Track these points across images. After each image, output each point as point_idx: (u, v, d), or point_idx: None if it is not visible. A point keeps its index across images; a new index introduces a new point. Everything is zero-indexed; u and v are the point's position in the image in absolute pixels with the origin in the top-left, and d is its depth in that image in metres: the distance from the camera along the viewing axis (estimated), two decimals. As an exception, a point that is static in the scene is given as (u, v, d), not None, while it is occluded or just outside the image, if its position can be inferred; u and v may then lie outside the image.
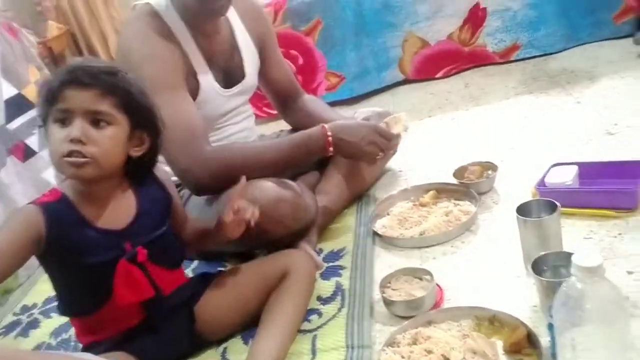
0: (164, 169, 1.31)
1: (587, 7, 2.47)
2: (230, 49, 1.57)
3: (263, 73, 1.69)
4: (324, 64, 2.68)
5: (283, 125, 1.89)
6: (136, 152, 1.13)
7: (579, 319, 0.80)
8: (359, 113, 1.84)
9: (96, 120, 1.06)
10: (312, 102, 1.83)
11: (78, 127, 1.04)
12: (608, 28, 2.47)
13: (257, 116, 2.01)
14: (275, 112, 1.94)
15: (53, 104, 1.05)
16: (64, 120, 1.05)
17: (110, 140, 1.07)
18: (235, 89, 1.58)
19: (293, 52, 2.64)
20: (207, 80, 1.50)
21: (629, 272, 1.16)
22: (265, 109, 2.58)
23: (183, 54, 1.45)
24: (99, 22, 3.40)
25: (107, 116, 1.06)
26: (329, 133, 1.47)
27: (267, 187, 1.38)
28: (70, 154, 1.04)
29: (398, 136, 1.59)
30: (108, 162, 1.08)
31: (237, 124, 1.64)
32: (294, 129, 1.80)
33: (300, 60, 2.67)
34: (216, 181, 1.40)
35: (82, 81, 1.04)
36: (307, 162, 1.60)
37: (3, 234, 1.02)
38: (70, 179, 1.10)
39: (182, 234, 1.31)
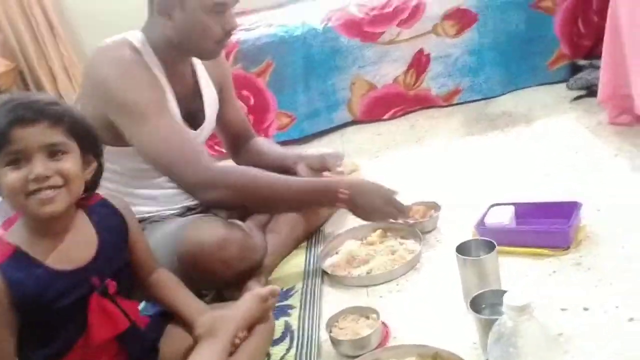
0: (122, 199, 1.30)
1: (523, 54, 2.62)
2: (193, 92, 1.61)
3: (220, 115, 1.73)
4: (275, 105, 2.73)
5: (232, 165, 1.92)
6: (87, 175, 1.13)
7: (512, 356, 0.85)
8: (309, 152, 1.89)
9: (53, 152, 1.04)
10: (263, 142, 1.87)
11: (39, 164, 1.02)
12: (543, 74, 2.63)
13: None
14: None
15: (1, 149, 1.02)
16: (17, 161, 1.02)
17: (72, 167, 1.06)
18: (197, 131, 1.60)
19: (245, 92, 2.68)
20: (178, 119, 1.52)
21: (563, 309, 1.22)
22: (216, 147, 2.61)
23: (162, 87, 1.48)
24: (47, 60, 3.37)
25: (62, 145, 1.05)
26: (343, 190, 1.49)
27: (214, 228, 1.40)
28: (36, 191, 1.02)
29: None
30: (76, 190, 1.08)
31: None
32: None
33: (252, 101, 2.72)
34: (224, 200, 1.42)
35: (28, 117, 1.02)
36: (309, 207, 1.65)
37: None
38: (22, 224, 1.08)
39: (140, 272, 1.26)
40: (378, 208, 1.54)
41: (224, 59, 1.82)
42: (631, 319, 1.15)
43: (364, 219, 1.60)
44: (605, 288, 1.26)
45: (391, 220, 1.62)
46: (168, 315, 1.30)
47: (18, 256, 1.05)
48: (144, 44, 1.48)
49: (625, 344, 1.09)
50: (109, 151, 1.39)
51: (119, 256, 1.18)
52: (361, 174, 1.72)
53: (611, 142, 1.93)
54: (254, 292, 1.29)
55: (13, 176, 1.01)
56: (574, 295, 1.25)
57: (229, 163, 1.91)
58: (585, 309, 1.21)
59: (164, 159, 1.42)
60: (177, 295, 1.27)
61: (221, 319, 1.21)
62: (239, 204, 1.45)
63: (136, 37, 1.49)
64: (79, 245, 1.11)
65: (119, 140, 1.44)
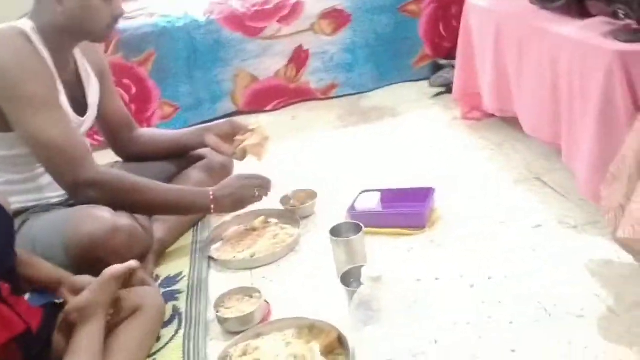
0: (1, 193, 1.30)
1: (392, 53, 2.88)
2: (76, 81, 1.62)
3: (101, 105, 1.74)
4: (158, 94, 2.76)
5: (112, 155, 1.94)
6: None
7: (370, 319, 1.02)
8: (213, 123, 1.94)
9: None
10: (153, 130, 1.92)
11: None
12: (409, 72, 2.90)
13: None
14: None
15: None
16: None
17: None
18: (83, 118, 1.62)
19: (126, 81, 2.68)
20: (66, 106, 1.53)
21: (418, 280, 1.44)
22: (96, 137, 2.58)
23: (53, 77, 1.48)
24: None
25: None
26: (211, 194, 1.60)
27: (102, 217, 1.43)
28: None
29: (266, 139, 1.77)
30: None
31: None
32: (127, 161, 1.88)
33: (134, 90, 2.72)
34: (103, 202, 1.46)
35: None
36: (186, 214, 1.73)
37: None
38: None
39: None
40: (241, 197, 1.66)
41: (101, 49, 1.84)
42: (472, 285, 1.39)
43: (237, 210, 1.72)
44: (452, 261, 1.49)
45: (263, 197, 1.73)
46: (60, 305, 1.31)
47: None
48: (34, 31, 1.48)
49: (468, 305, 1.32)
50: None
51: (8, 256, 1.18)
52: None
53: (462, 135, 2.22)
54: (107, 274, 1.26)
55: None
56: (427, 268, 1.47)
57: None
58: (437, 279, 1.43)
59: (48, 152, 1.43)
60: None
61: (90, 305, 1.22)
62: (116, 208, 1.49)
63: (26, 24, 1.48)
64: None
65: (2, 126, 1.44)
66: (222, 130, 1.81)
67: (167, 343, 1.37)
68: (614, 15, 1.50)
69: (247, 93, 2.85)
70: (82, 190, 1.46)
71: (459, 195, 1.78)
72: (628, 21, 1.51)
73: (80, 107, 1.62)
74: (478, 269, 1.44)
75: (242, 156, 1.78)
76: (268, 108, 2.87)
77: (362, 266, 1.36)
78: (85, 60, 1.66)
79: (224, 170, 1.91)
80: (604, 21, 1.58)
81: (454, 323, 1.27)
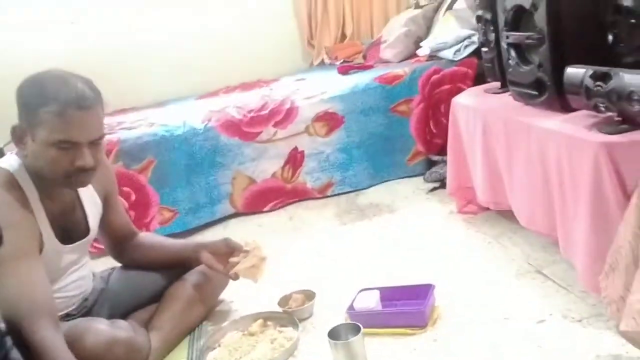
0: None
1: (386, 152, 2.95)
2: (73, 207, 1.63)
3: (104, 220, 1.76)
4: (157, 200, 2.79)
5: (112, 261, 1.95)
6: None
7: None
8: (208, 240, 1.95)
9: None
10: (152, 236, 1.93)
11: None
12: (403, 168, 2.96)
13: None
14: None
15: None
16: None
17: None
18: (77, 243, 1.62)
19: (125, 189, 2.72)
20: (49, 239, 1.53)
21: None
22: (95, 244, 2.58)
23: (35, 221, 1.48)
24: None
25: None
26: None
27: (100, 330, 1.42)
28: None
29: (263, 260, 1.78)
30: None
31: (76, 272, 1.67)
32: (126, 267, 1.88)
33: (133, 197, 2.75)
34: None
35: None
36: None
37: None
38: None
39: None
40: None
41: (108, 164, 1.87)
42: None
43: None
44: (455, 358, 1.44)
45: None
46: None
47: None
48: (21, 170, 1.49)
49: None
50: None
51: None
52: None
53: (460, 229, 2.22)
54: None
55: None
56: (431, 369, 1.43)
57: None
58: (441, 380, 1.38)
59: (4, 302, 1.37)
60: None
61: None
62: None
63: (10, 162, 1.51)
64: None
65: None
66: (217, 249, 1.83)
67: None
68: (595, 108, 1.55)
69: (245, 195, 2.89)
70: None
71: (459, 291, 1.75)
72: (609, 113, 1.56)
73: (75, 232, 1.62)
74: (481, 366, 1.39)
75: (236, 277, 1.79)
76: (266, 209, 2.90)
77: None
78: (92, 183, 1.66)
79: (218, 286, 1.92)
80: (587, 114, 1.63)
81: None
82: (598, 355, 1.36)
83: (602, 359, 1.35)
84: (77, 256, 1.66)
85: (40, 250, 1.50)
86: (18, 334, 1.31)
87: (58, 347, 1.31)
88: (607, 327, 1.43)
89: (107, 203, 1.76)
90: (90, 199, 1.68)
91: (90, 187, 1.67)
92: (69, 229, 1.61)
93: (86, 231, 1.66)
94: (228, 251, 1.82)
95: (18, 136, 1.47)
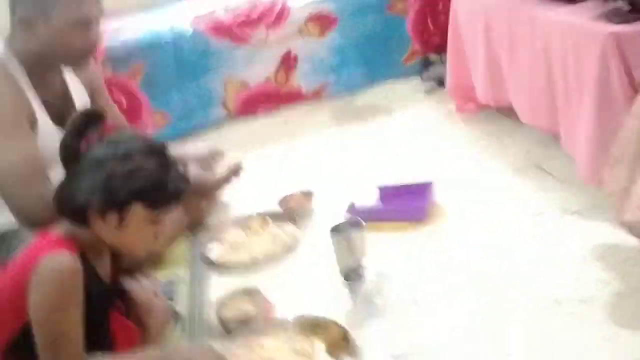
0: None
1: (381, 52, 2.85)
2: (63, 95, 1.60)
3: None
4: (148, 105, 2.73)
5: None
6: None
7: (373, 314, 1.00)
8: (189, 150, 1.93)
9: None
10: None
11: None
12: (400, 69, 2.88)
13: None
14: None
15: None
16: None
17: None
18: None
19: (116, 95, 2.65)
20: (44, 122, 1.50)
21: (420, 275, 1.41)
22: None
23: (26, 99, 1.46)
24: None
25: None
26: None
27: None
28: None
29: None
30: None
31: None
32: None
33: (124, 102, 2.69)
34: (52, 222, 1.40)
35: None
36: None
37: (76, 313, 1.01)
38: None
39: None
40: None
41: (93, 63, 1.82)
42: (475, 279, 1.36)
43: None
44: (455, 255, 1.46)
45: None
46: None
47: (79, 256, 1.05)
48: (9, 56, 1.46)
49: (472, 299, 1.29)
50: None
51: None
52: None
53: (459, 128, 2.20)
54: None
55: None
56: (429, 263, 1.45)
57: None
58: (439, 273, 1.40)
59: (4, 178, 1.39)
60: None
61: None
62: None
63: (1, 51, 1.47)
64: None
65: None
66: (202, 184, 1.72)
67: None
68: (604, -2, 1.50)
69: (238, 99, 2.83)
70: (29, 219, 1.40)
71: (458, 188, 1.76)
72: (619, 3, 1.50)
73: (66, 119, 1.58)
74: (481, 262, 1.42)
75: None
76: (260, 113, 2.85)
77: (363, 262, 1.35)
78: (74, 75, 1.64)
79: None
80: (594, 4, 1.57)
81: (458, 317, 1.25)
82: (595, 245, 1.38)
83: (599, 248, 1.37)
84: None
85: (36, 135, 1.47)
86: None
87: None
88: (604, 218, 1.44)
89: (94, 93, 1.71)
90: (77, 87, 1.64)
91: (76, 81, 1.63)
92: (61, 115, 1.58)
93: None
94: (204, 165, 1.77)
95: (26, 20, 1.42)
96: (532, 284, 1.29)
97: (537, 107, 1.76)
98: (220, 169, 1.80)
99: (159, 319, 1.33)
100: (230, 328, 1.35)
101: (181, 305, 1.48)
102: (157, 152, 1.10)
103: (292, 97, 2.87)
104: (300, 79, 2.85)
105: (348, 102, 2.77)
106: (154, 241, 1.13)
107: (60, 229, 1.10)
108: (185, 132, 2.76)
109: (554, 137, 1.74)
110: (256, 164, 2.28)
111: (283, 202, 1.84)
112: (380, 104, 2.65)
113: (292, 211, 1.79)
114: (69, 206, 1.07)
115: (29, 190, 1.38)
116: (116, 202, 1.04)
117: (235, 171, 1.73)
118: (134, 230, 1.07)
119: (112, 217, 1.05)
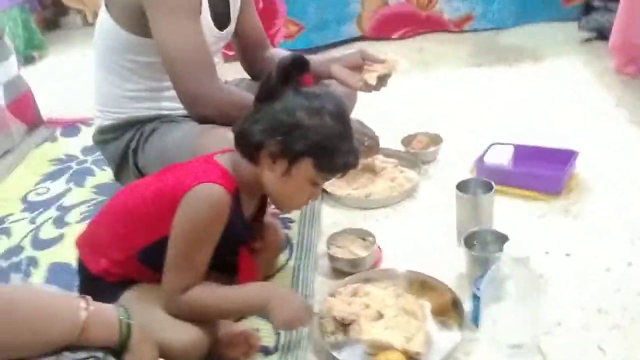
0: None
1: (539, -13, 2.59)
2: None
3: (239, 19, 1.71)
4: (284, 11, 2.68)
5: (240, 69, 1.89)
6: None
7: (500, 296, 0.94)
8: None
9: None
10: (280, 53, 1.86)
11: None
12: (557, 10, 2.60)
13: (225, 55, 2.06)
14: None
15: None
16: None
17: None
18: (223, 32, 1.60)
19: (254, -4, 2.62)
20: (207, 19, 1.52)
21: (546, 253, 1.31)
22: (224, 50, 2.57)
23: None
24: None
25: None
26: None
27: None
28: None
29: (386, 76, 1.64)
30: None
31: (217, 64, 1.66)
32: (254, 78, 1.85)
33: (260, 4, 2.65)
34: (219, 117, 1.42)
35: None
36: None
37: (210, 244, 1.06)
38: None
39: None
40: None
41: None
42: (608, 269, 1.24)
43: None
44: (588, 237, 1.34)
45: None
46: None
47: (235, 194, 1.09)
48: None
49: (601, 292, 1.19)
50: (142, 43, 1.44)
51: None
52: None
53: (614, 91, 1.97)
54: None
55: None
56: (558, 240, 1.34)
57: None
58: (567, 255, 1.30)
59: (176, 60, 1.42)
60: None
61: None
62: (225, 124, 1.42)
63: None
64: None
65: (145, 31, 1.44)
66: (350, 62, 1.70)
67: (278, 271, 1.37)
68: None
69: (375, 17, 2.71)
70: (197, 104, 1.44)
71: (603, 162, 1.59)
72: None
73: (222, 21, 1.59)
74: (617, 250, 1.29)
75: (368, 88, 1.67)
76: (395, 36, 2.72)
77: (489, 230, 1.27)
78: None
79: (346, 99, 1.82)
80: None
81: (581, 308, 1.15)
82: None
83: None
84: (220, 48, 1.65)
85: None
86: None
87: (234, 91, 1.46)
88: None
89: (244, 1, 1.68)
90: None
91: None
92: (219, 17, 1.57)
93: (227, 21, 1.62)
94: (362, 63, 1.68)
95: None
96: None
97: None
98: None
99: (277, 244, 1.38)
100: (338, 267, 1.35)
101: (293, 232, 1.50)
102: (344, 120, 1.09)
103: (431, 24, 2.70)
104: (445, 4, 2.66)
105: (492, 39, 2.56)
106: (304, 201, 1.15)
107: (227, 159, 1.12)
108: (315, 46, 2.70)
109: None
110: (382, 95, 2.20)
111: (407, 142, 1.76)
112: (527, 46, 2.43)
113: (415, 154, 1.71)
114: (247, 138, 1.08)
115: (198, 75, 1.41)
116: (292, 150, 1.04)
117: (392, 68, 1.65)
118: (295, 184, 1.08)
119: (282, 164, 1.06)
